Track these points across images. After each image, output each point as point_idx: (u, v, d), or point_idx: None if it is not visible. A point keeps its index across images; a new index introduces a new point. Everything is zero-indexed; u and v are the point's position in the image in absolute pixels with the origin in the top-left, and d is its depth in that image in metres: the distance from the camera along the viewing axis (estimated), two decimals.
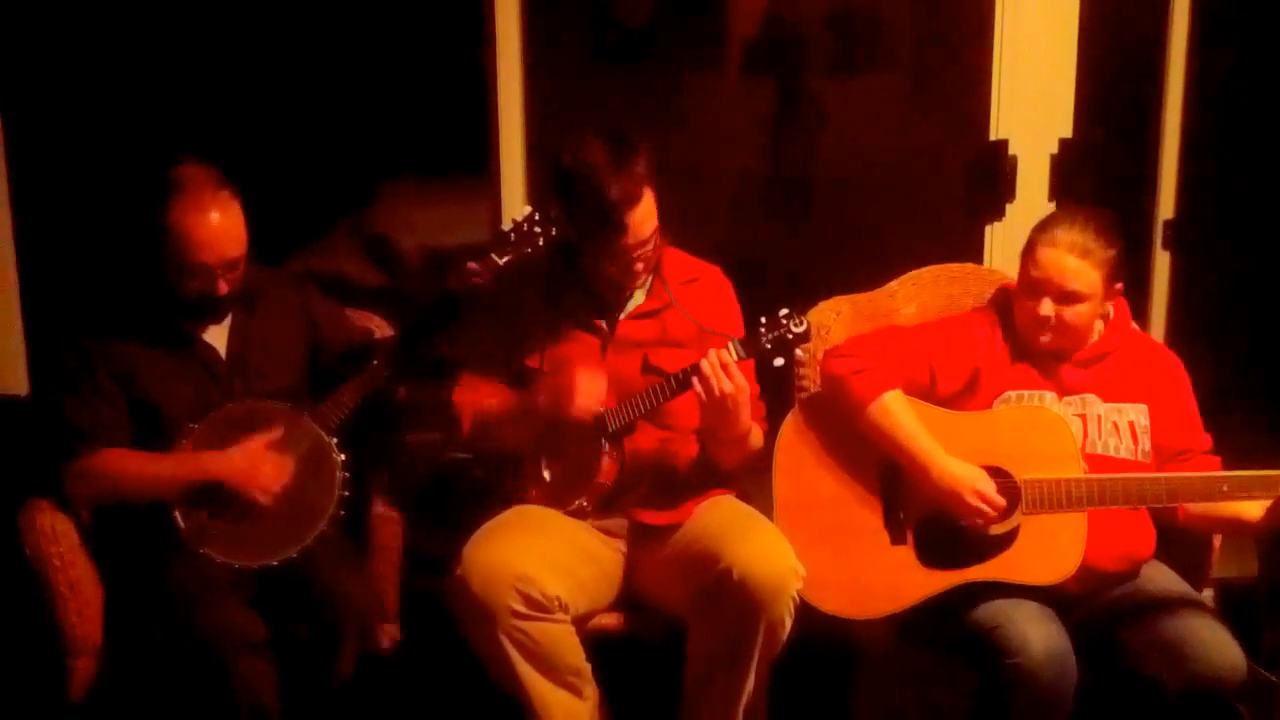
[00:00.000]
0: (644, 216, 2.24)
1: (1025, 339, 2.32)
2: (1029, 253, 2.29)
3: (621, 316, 2.38)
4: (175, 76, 3.17)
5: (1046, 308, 2.26)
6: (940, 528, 2.26)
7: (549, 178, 2.33)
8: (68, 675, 2.27)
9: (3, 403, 2.76)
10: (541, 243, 2.34)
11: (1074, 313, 2.27)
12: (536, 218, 2.35)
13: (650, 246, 2.29)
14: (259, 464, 2.30)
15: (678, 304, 2.35)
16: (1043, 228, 2.30)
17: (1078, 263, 2.24)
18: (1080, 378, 2.33)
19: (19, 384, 2.81)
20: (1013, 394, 2.31)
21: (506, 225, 2.37)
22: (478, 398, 2.38)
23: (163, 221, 2.23)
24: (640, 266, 2.30)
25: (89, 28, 3.10)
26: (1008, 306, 2.37)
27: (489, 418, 2.36)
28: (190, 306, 2.33)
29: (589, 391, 2.27)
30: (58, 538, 2.26)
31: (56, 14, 3.03)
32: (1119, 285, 2.33)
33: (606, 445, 2.30)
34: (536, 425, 2.33)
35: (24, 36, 2.92)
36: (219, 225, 2.24)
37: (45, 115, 2.94)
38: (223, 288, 2.29)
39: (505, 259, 2.34)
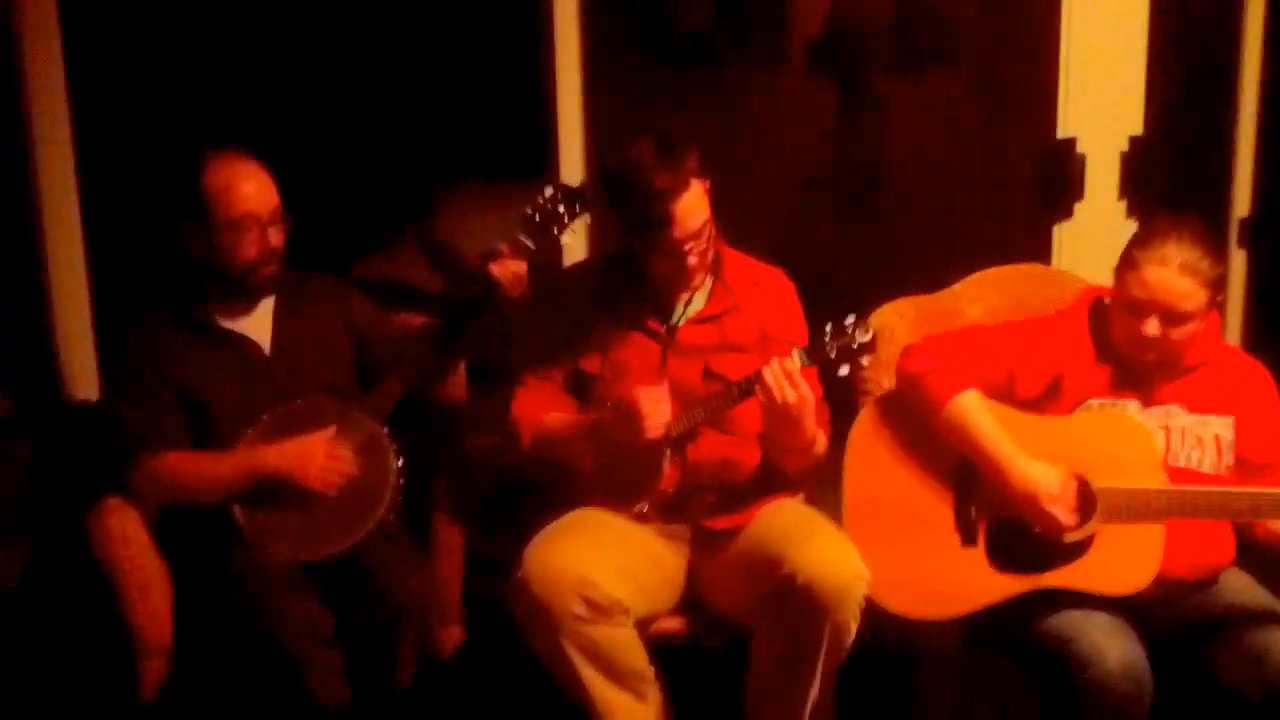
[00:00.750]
0: (691, 208, 2.23)
1: (1126, 355, 2.25)
2: (1131, 269, 2.19)
3: (682, 322, 2.37)
4: (240, 91, 3.21)
5: (1153, 328, 2.18)
6: (1013, 531, 2.22)
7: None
8: (140, 676, 2.30)
9: (76, 409, 2.81)
10: (567, 220, 2.34)
11: (1181, 332, 2.19)
12: (559, 195, 2.35)
13: (702, 241, 2.27)
14: (314, 452, 2.32)
15: (740, 308, 2.33)
16: (1147, 243, 2.19)
17: (1189, 283, 2.16)
18: (1167, 389, 2.27)
19: (91, 390, 2.87)
20: (1095, 402, 2.26)
21: (529, 209, 2.37)
22: (537, 413, 2.37)
23: (202, 187, 2.30)
24: (694, 262, 2.29)
25: (157, 38, 3.16)
26: (1097, 311, 2.31)
27: (548, 436, 2.35)
28: (229, 280, 2.36)
29: (655, 414, 2.24)
30: (128, 540, 2.30)
31: (122, 24, 3.09)
32: (1220, 298, 2.26)
33: (668, 451, 2.29)
34: (599, 446, 2.32)
35: (97, 50, 2.98)
36: (255, 175, 2.34)
37: (112, 127, 3.00)
38: (276, 237, 2.35)
39: (533, 240, 2.34)
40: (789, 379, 2.15)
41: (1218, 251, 2.21)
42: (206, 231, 2.32)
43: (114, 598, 2.29)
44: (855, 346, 2.18)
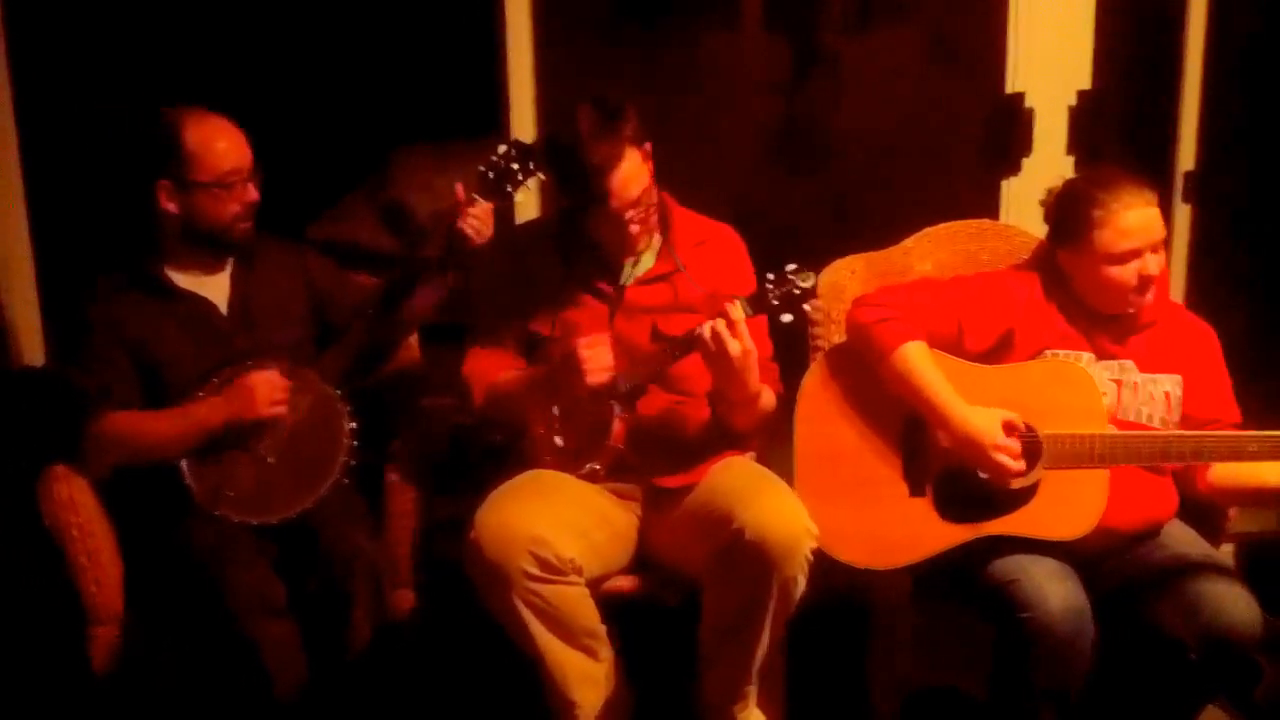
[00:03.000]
0: (628, 178, 2.24)
1: (1119, 307, 2.27)
2: (1103, 227, 2.22)
3: (629, 282, 2.37)
4: (187, 49, 3.16)
5: (1153, 264, 2.24)
6: (960, 480, 2.25)
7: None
8: (89, 644, 2.29)
9: (21, 374, 2.78)
10: (521, 178, 2.34)
11: (1163, 257, 2.27)
12: (513, 152, 2.34)
13: (642, 208, 2.28)
14: (255, 385, 2.32)
15: (685, 269, 2.34)
16: (1103, 198, 2.23)
17: (1154, 210, 2.24)
18: (1121, 345, 2.30)
19: (36, 356, 2.83)
20: (1049, 353, 2.28)
21: (482, 165, 2.36)
22: (488, 371, 2.38)
23: (182, 146, 2.30)
24: (635, 229, 2.30)
25: None
26: (1051, 266, 2.33)
27: (500, 391, 2.36)
28: (205, 236, 2.35)
29: (594, 358, 2.26)
30: (76, 507, 2.29)
31: None
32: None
33: (617, 408, 2.30)
34: (548, 399, 2.33)
35: (38, 10, 2.92)
36: (231, 132, 2.35)
37: (55, 89, 2.95)
38: (254, 192, 2.36)
39: (486, 197, 2.33)
40: (732, 328, 2.16)
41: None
42: (188, 190, 2.32)
43: (63, 565, 2.28)
44: (797, 292, 2.19)
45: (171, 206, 2.33)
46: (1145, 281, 2.25)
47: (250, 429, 2.34)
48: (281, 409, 2.34)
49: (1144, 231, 2.23)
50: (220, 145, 2.32)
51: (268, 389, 2.33)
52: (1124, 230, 2.22)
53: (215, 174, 2.31)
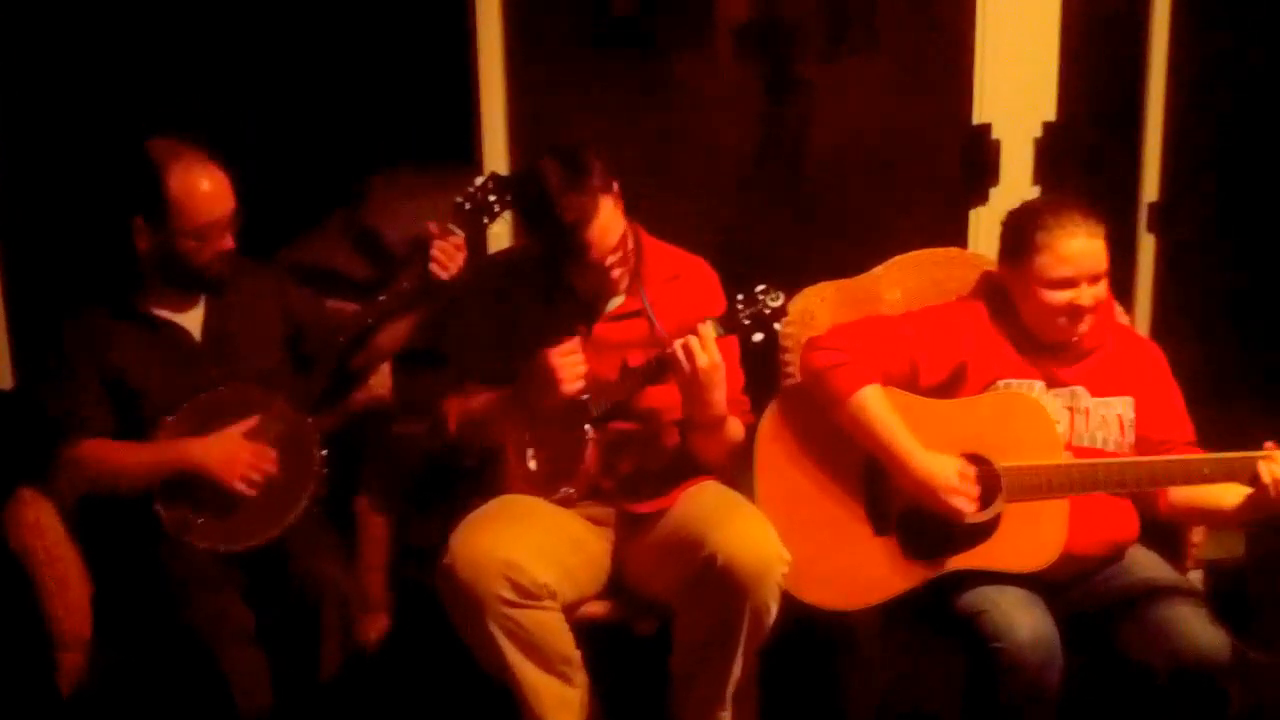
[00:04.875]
0: (605, 228, 2.25)
1: (1054, 334, 2.29)
2: (1041, 252, 2.24)
3: (598, 320, 2.38)
4: (166, 73, 3.16)
5: (1087, 296, 2.25)
6: (923, 518, 2.25)
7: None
8: (57, 669, 2.27)
9: None
10: (498, 210, 2.35)
11: (1101, 290, 2.28)
12: (490, 185, 2.35)
13: (620, 253, 2.29)
14: (238, 453, 2.31)
15: (650, 311, 2.35)
16: (1049, 223, 2.25)
17: (1098, 242, 2.25)
18: (1070, 370, 2.32)
19: (3, 379, 2.81)
20: (1001, 383, 2.30)
21: (459, 197, 2.37)
22: (462, 398, 2.38)
23: (167, 195, 2.27)
24: (616, 274, 2.32)
25: (77, 19, 3.09)
26: (996, 294, 2.36)
27: (474, 416, 2.36)
28: (179, 277, 2.34)
29: (567, 366, 2.25)
30: (43, 531, 2.27)
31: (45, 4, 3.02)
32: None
33: (591, 431, 2.30)
34: (522, 418, 2.33)
35: (12, 32, 2.91)
36: (216, 182, 2.31)
37: (29, 109, 2.94)
38: (228, 241, 2.34)
39: (462, 228, 2.34)
40: (702, 343, 2.18)
41: (1097, 210, 2.30)
42: (163, 234, 2.29)
43: (30, 590, 2.26)
44: (768, 312, 2.21)
45: (145, 244, 2.31)
46: (1077, 311, 2.26)
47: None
48: (254, 491, 2.31)
49: (1082, 261, 2.24)
50: (202, 195, 2.28)
51: (250, 462, 2.31)
52: (1063, 257, 2.24)
53: (194, 225, 2.29)
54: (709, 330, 2.19)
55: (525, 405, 2.31)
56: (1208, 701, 2.16)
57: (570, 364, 2.26)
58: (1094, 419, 2.31)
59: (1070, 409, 2.31)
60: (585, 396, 2.29)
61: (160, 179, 2.27)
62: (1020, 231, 2.30)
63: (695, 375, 2.18)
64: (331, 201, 3.53)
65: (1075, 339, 2.30)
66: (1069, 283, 2.25)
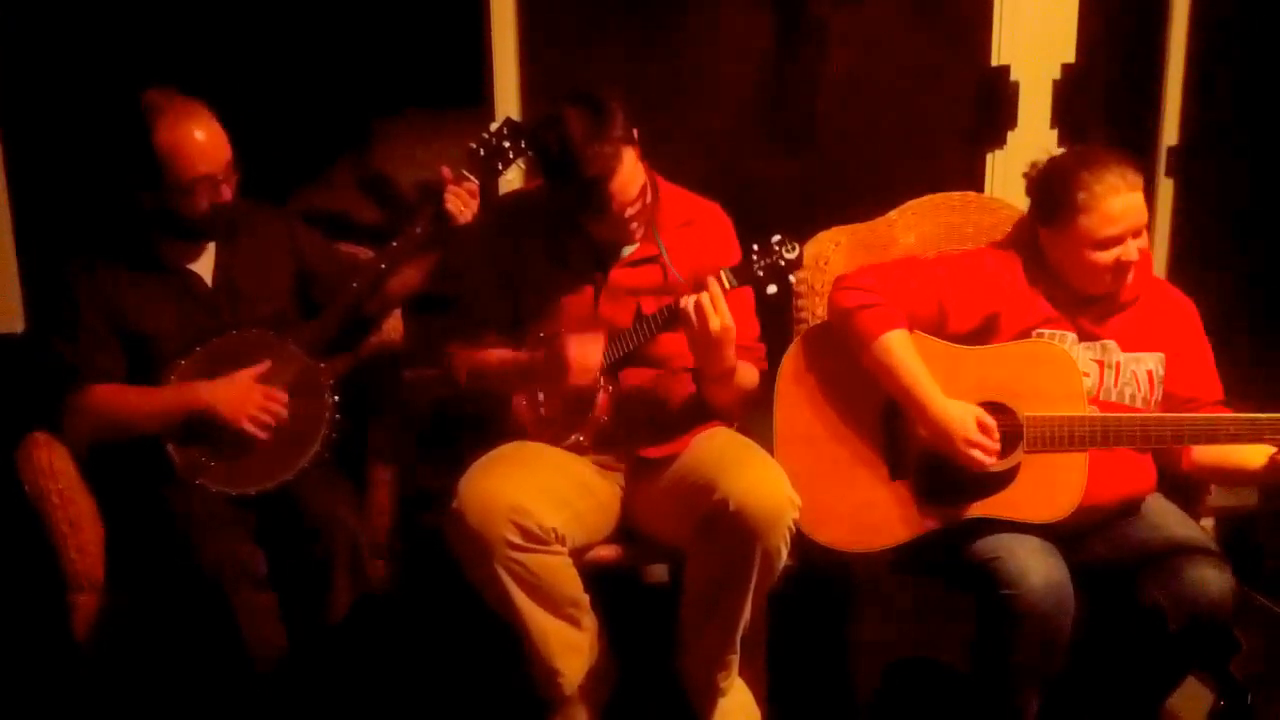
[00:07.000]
0: (627, 180, 2.22)
1: (1098, 289, 2.26)
2: (1086, 211, 2.19)
3: (615, 265, 2.36)
4: (171, 20, 3.12)
5: (1133, 250, 2.22)
6: (941, 464, 2.24)
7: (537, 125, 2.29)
8: (70, 612, 2.29)
9: (0, 341, 2.76)
10: (513, 156, 2.34)
11: (1144, 241, 2.25)
12: (505, 131, 2.33)
13: (639, 204, 2.27)
14: (248, 395, 2.31)
15: (666, 254, 2.33)
16: (1087, 181, 2.19)
17: (1138, 194, 2.21)
18: (1103, 325, 2.30)
19: (14, 322, 2.82)
20: (1034, 334, 2.27)
21: (474, 143, 2.34)
22: (473, 349, 2.37)
23: (154, 148, 2.24)
24: (635, 225, 2.29)
25: None
26: (1029, 245, 2.32)
27: (483, 371, 2.35)
28: (182, 229, 2.33)
29: (583, 358, 2.25)
30: (56, 474, 2.28)
31: None
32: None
33: (602, 380, 2.29)
34: (532, 385, 2.33)
35: None
36: (207, 134, 2.28)
37: (33, 57, 2.91)
38: (227, 192, 2.31)
39: (475, 174, 2.33)
40: (713, 302, 2.16)
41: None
42: (160, 192, 2.28)
43: (43, 532, 2.27)
44: (783, 264, 2.19)
45: (145, 200, 2.30)
46: (1124, 266, 2.23)
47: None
48: (262, 433, 2.31)
49: (1127, 218, 2.21)
50: (192, 150, 2.25)
51: (261, 403, 2.31)
52: (1109, 216, 2.20)
53: (184, 180, 2.26)
54: (719, 289, 2.17)
55: (534, 380, 2.31)
56: (1215, 647, 2.16)
57: (586, 355, 2.25)
58: (1123, 374, 2.29)
59: (1100, 362, 2.29)
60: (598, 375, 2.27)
61: (147, 135, 2.24)
62: (1059, 191, 2.24)
63: (706, 333, 2.17)
64: (338, 145, 3.50)
65: (1116, 291, 2.27)
66: (1116, 240, 2.21)
